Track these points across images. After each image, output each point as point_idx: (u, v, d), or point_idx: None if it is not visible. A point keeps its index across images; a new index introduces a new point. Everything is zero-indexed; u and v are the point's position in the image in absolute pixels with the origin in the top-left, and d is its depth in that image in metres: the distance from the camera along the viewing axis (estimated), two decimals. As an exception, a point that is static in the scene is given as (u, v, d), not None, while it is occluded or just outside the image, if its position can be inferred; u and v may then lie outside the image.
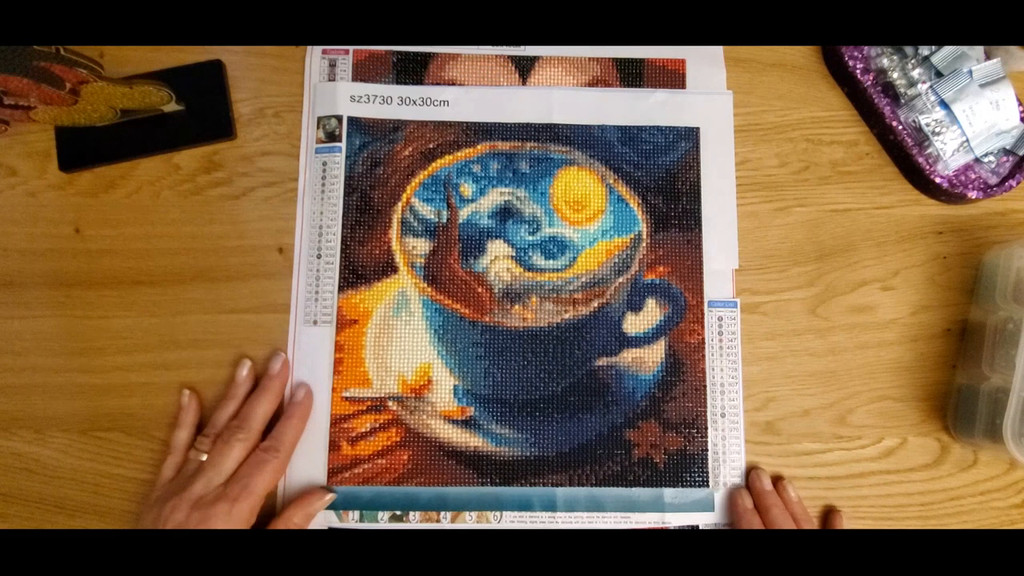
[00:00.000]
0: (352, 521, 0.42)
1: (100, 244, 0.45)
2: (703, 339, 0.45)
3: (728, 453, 0.44)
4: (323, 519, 0.42)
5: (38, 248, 0.45)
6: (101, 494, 0.43)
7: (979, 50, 0.45)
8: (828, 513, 0.44)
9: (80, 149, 0.45)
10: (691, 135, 0.47)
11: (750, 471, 0.43)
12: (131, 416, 0.44)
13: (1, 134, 0.43)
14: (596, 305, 0.45)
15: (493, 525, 0.43)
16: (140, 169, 0.46)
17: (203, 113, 0.46)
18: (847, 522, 0.44)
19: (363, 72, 0.47)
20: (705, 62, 0.48)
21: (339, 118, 0.46)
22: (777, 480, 0.43)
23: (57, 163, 0.45)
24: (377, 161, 0.46)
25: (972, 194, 0.45)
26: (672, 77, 0.48)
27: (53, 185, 0.45)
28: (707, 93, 0.47)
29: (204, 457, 0.39)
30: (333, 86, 0.46)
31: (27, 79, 0.37)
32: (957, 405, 0.44)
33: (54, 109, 0.41)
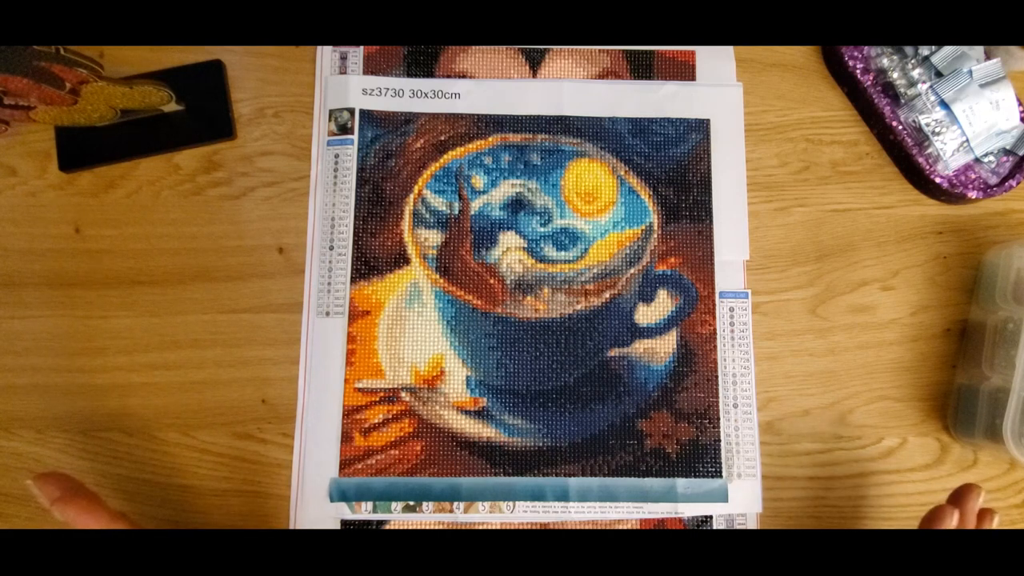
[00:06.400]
0: (365, 512, 0.42)
1: (100, 244, 0.45)
2: (715, 330, 0.45)
3: (741, 444, 0.44)
4: (335, 511, 0.42)
5: (38, 248, 0.45)
6: (101, 494, 0.43)
7: (979, 50, 0.45)
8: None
9: (80, 149, 0.45)
10: (702, 127, 0.47)
11: (968, 486, 0.39)
12: (131, 416, 0.44)
13: (1, 134, 0.43)
14: (608, 296, 0.45)
15: (506, 515, 0.43)
16: (140, 169, 0.46)
17: (203, 113, 0.46)
18: (846, 522, 0.44)
19: (374, 65, 0.47)
20: (715, 54, 0.48)
21: (351, 111, 0.46)
22: (985, 511, 0.39)
23: (57, 163, 0.45)
24: (389, 153, 0.46)
25: (972, 194, 0.45)
26: (682, 69, 0.48)
27: (53, 185, 0.45)
28: (717, 85, 0.47)
29: None
30: (345, 79, 0.47)
31: (27, 79, 0.37)
32: (957, 405, 0.44)
33: (54, 109, 0.41)
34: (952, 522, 0.37)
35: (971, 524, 0.38)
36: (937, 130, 0.45)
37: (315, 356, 0.44)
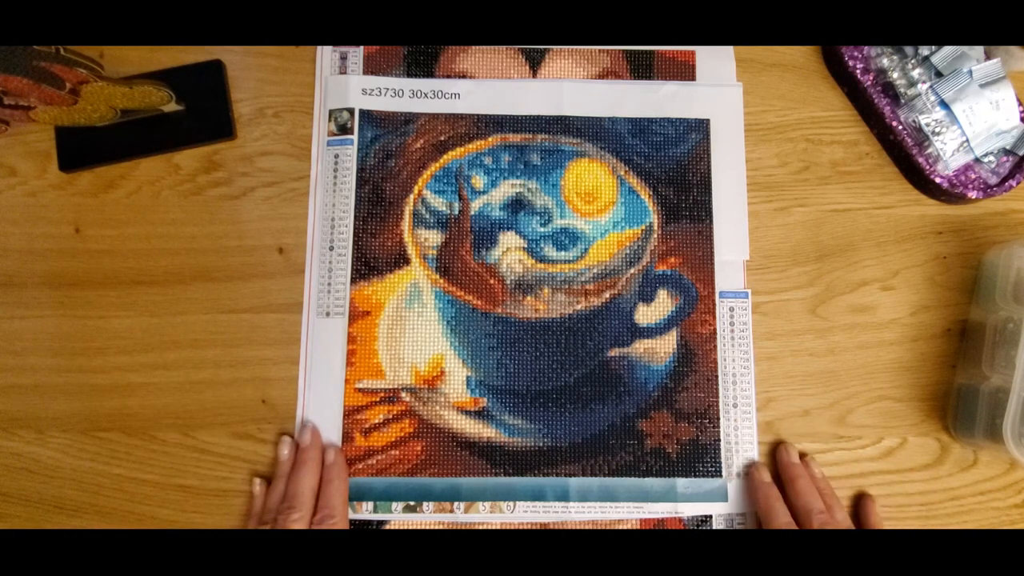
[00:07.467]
0: (366, 512, 0.43)
1: (100, 244, 0.45)
2: (715, 330, 0.45)
3: (741, 443, 0.44)
4: None
5: (38, 248, 0.45)
6: (101, 494, 0.43)
7: (979, 50, 0.45)
8: (860, 498, 0.44)
9: (80, 149, 0.45)
10: (701, 127, 0.47)
11: (777, 445, 0.44)
12: (131, 416, 0.44)
13: (1, 134, 0.43)
14: (608, 296, 0.45)
15: (506, 515, 0.43)
16: (140, 169, 0.46)
17: (203, 113, 0.46)
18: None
19: (374, 65, 0.47)
20: (715, 54, 0.48)
21: (351, 111, 0.46)
22: (802, 456, 0.44)
23: (57, 163, 0.45)
24: (389, 153, 0.46)
25: (972, 194, 0.45)
26: (682, 69, 0.48)
27: (53, 185, 0.45)
28: (717, 85, 0.47)
29: None
30: (345, 79, 0.47)
31: (27, 79, 0.37)
32: (957, 405, 0.44)
33: (54, 109, 0.41)
34: (764, 475, 0.42)
35: (793, 467, 0.42)
36: (937, 130, 0.45)
37: (315, 356, 0.44)
